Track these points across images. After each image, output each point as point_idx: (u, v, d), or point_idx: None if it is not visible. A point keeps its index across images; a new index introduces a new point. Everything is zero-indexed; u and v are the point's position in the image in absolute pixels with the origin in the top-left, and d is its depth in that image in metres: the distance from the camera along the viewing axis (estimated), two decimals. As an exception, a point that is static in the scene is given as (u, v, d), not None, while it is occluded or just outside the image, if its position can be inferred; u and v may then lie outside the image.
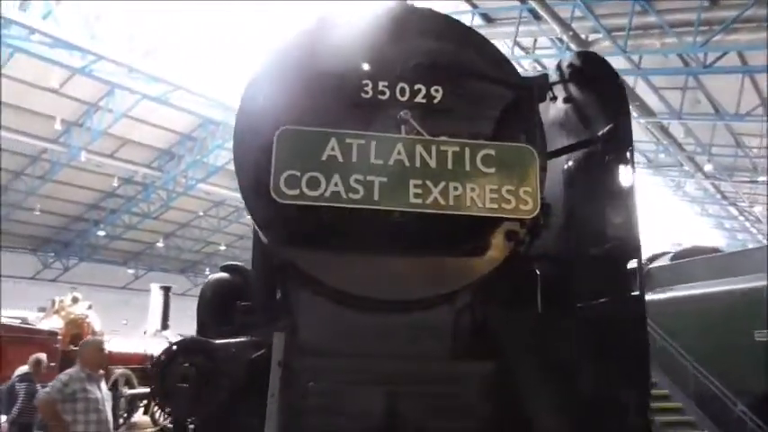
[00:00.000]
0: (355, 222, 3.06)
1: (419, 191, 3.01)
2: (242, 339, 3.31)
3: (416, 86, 3.32)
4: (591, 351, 3.24)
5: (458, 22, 3.83)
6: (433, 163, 3.05)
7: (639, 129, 24.66)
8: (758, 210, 30.73)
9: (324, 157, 2.95)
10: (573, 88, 3.76)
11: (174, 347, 3.07)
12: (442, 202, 3.01)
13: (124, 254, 33.21)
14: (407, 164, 3.03)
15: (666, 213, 36.04)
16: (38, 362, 8.03)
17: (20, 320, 12.48)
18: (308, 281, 3.23)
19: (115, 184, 26.12)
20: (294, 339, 3.16)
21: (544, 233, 3.66)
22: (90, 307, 12.64)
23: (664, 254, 13.04)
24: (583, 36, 18.00)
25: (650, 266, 11.85)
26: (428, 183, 3.02)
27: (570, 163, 3.86)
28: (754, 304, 9.30)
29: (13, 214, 26.44)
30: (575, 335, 3.33)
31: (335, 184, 2.93)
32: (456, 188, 3.04)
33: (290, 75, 3.36)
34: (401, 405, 3.00)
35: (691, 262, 11.21)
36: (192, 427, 3.30)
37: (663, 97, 21.47)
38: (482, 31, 4.63)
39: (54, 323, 12.10)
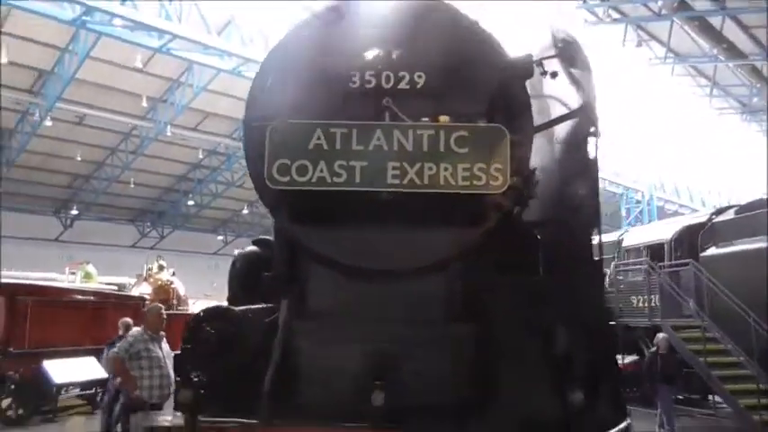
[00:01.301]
0: (354, 201, 3.45)
1: (397, 172, 3.36)
2: (260, 306, 3.82)
3: (401, 74, 3.62)
4: (563, 314, 3.51)
5: (448, 5, 4.05)
6: (409, 146, 3.38)
7: (729, 72, 23.25)
8: None
9: (311, 146, 3.35)
10: (559, 65, 3.93)
11: (200, 314, 3.62)
12: (417, 181, 3.35)
13: (213, 221, 35.23)
14: (386, 148, 3.37)
15: (761, 161, 33.73)
16: (127, 326, 8.87)
17: (116, 287, 13.87)
18: (313, 255, 3.68)
19: (201, 156, 27.65)
20: (299, 305, 3.64)
21: (543, 202, 3.92)
22: (174, 273, 13.74)
23: (729, 207, 12.56)
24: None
25: (715, 220, 11.50)
26: (405, 164, 3.36)
27: (560, 136, 4.06)
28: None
29: (111, 188, 28.65)
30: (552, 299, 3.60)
31: (321, 170, 3.33)
32: (431, 168, 3.36)
33: (289, 69, 3.76)
34: (389, 363, 3.37)
35: (755, 215, 10.75)
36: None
37: (754, 36, 20.05)
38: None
39: (144, 289, 13.32)
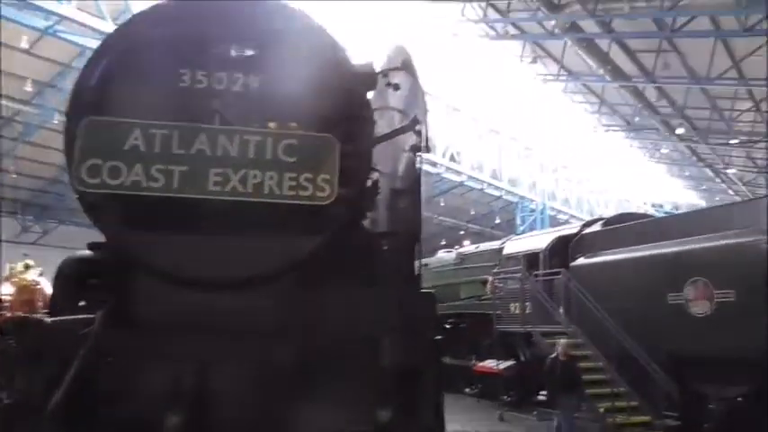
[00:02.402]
0: (179, 206, 3.31)
1: (219, 179, 3.25)
2: (78, 317, 3.58)
3: (235, 75, 3.52)
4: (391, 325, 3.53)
5: (295, 9, 3.98)
6: (234, 152, 3.29)
7: (616, 92, 24.77)
8: (732, 172, 30.91)
9: (126, 147, 3.19)
10: (403, 78, 3.97)
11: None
12: (240, 189, 3.27)
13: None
14: (209, 153, 3.26)
15: (645, 175, 36.33)
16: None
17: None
18: (137, 261, 3.50)
19: (91, 147, 26.13)
20: (116, 315, 3.43)
21: (396, 213, 3.93)
22: (41, 273, 12.87)
23: (597, 220, 13.40)
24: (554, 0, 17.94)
25: (584, 232, 12.21)
26: (228, 171, 3.27)
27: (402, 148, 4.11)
28: (668, 269, 9.66)
29: (-8, 176, 26.56)
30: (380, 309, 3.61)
31: (137, 174, 3.17)
32: (255, 176, 3.28)
33: (121, 62, 3.56)
34: (203, 379, 3.24)
35: (618, 228, 11.51)
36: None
37: (637, 60, 21.45)
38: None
39: (5, 290, 12.38)
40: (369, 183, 3.94)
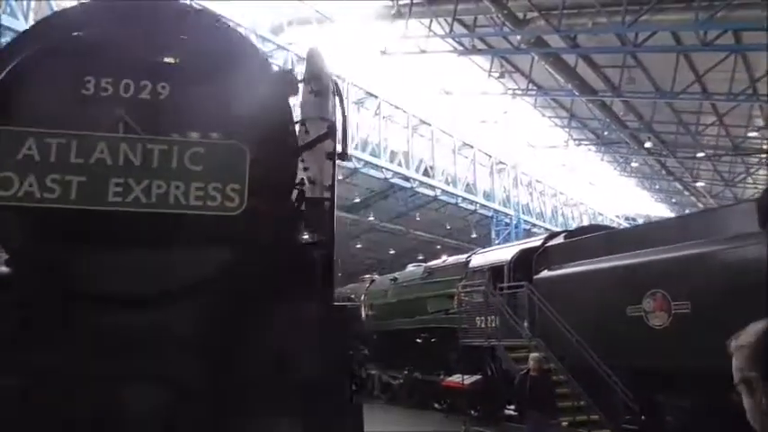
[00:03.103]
0: (86, 218, 3.14)
1: (119, 189, 3.10)
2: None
3: (142, 83, 3.38)
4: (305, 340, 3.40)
5: (212, 12, 3.89)
6: (137, 161, 3.14)
7: (585, 106, 25.07)
8: (700, 185, 31.39)
9: (20, 156, 3.02)
10: (317, 84, 3.88)
11: None
12: (143, 200, 3.11)
13: None
14: (110, 162, 3.11)
15: (617, 188, 36.75)
16: None
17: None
18: (37, 274, 3.32)
19: None
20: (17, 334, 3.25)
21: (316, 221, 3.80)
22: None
23: (561, 232, 13.42)
24: (519, 15, 18.09)
25: (547, 245, 12.19)
26: (130, 181, 3.12)
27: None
28: (628, 280, 9.66)
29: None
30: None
31: (30, 185, 3.01)
32: (159, 186, 3.14)
33: (27, 64, 3.40)
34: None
35: (580, 240, 11.51)
36: None
37: (604, 74, 21.72)
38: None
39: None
40: (294, 195, 3.82)
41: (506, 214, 34.43)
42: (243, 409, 3.19)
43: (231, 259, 3.49)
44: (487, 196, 33.46)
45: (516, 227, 32.91)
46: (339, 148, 3.92)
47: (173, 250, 3.39)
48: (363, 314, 19.93)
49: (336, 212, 4.03)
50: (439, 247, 37.28)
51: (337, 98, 3.78)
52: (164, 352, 3.29)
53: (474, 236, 35.79)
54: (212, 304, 3.49)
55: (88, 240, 3.27)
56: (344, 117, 3.80)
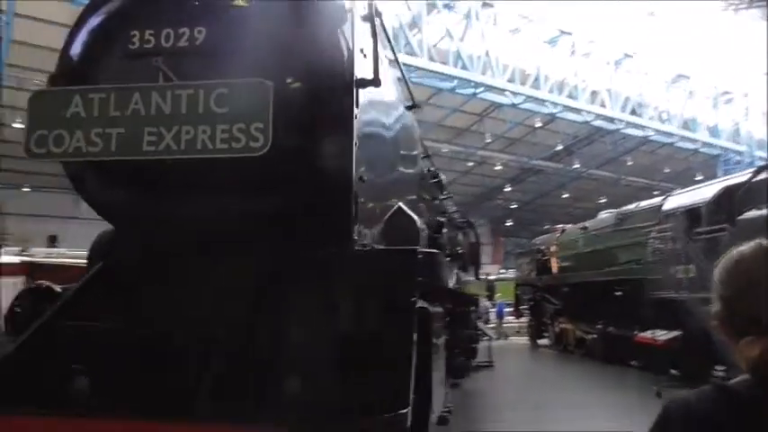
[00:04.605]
0: (153, 168, 3.35)
1: (153, 138, 3.18)
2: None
3: (181, 30, 3.43)
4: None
5: None
6: (167, 109, 3.19)
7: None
8: None
9: (68, 115, 3.26)
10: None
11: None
12: (174, 146, 3.16)
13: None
14: (143, 113, 3.21)
15: None
16: None
17: None
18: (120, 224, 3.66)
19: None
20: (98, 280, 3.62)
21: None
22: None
23: (769, 166, 10.99)
24: None
25: (754, 180, 10.11)
26: (162, 129, 3.18)
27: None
28: None
29: None
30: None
31: (78, 140, 3.23)
32: (188, 132, 3.15)
33: (90, 30, 3.72)
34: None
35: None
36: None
37: None
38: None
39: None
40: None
41: (737, 151, 30.01)
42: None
43: (280, 202, 3.45)
44: (712, 132, 29.45)
45: (750, 165, 28.47)
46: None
47: (225, 196, 3.46)
48: (554, 267, 18.97)
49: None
50: (656, 192, 34.06)
51: (369, 23, 3.45)
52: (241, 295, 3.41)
53: (699, 178, 31.90)
54: (266, 250, 3.50)
55: (155, 189, 3.49)
56: (375, 41, 3.46)
